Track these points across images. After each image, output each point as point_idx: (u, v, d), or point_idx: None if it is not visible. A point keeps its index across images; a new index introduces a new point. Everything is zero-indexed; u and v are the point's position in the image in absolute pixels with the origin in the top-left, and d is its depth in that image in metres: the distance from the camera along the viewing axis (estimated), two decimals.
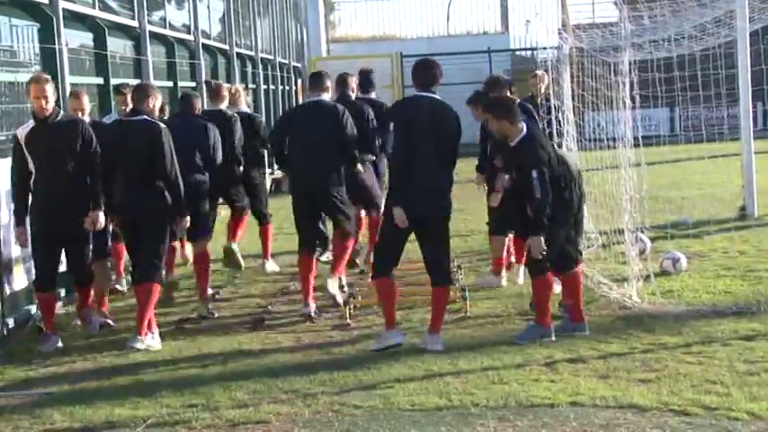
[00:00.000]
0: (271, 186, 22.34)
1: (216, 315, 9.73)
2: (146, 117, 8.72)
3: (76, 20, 11.88)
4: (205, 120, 10.40)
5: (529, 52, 35.46)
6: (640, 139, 10.47)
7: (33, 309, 9.44)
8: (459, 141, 8.12)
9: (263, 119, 11.38)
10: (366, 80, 12.01)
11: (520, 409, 6.47)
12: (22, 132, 8.50)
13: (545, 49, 26.62)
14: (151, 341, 8.51)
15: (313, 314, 9.38)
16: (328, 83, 9.87)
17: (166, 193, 8.61)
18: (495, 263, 10.49)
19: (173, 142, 8.81)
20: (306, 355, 8.09)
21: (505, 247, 10.47)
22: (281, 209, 18.52)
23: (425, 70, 8.17)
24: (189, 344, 8.65)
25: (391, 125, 8.22)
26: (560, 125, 11.78)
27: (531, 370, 7.31)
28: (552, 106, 11.66)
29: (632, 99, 10.49)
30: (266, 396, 6.98)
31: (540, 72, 13.79)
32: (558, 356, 7.64)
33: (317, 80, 9.82)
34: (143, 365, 8.00)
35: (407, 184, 7.93)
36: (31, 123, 8.52)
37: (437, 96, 8.15)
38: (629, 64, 10.56)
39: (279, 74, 27.46)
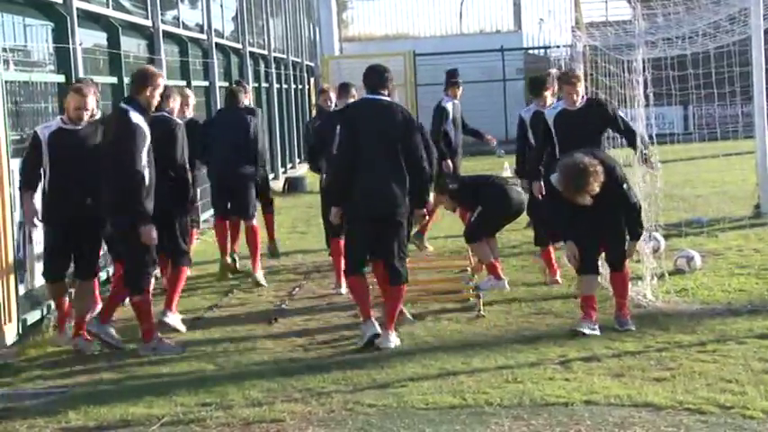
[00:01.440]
0: (284, 186, 22.43)
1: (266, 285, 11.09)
2: (164, 113, 9.03)
3: (90, 19, 11.91)
4: (249, 113, 11.67)
5: (542, 50, 35.48)
6: (654, 137, 10.44)
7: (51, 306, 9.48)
8: (413, 139, 8.21)
9: (261, 118, 12.14)
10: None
11: (534, 408, 6.46)
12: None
13: (558, 47, 26.65)
14: (178, 322, 9.09)
15: (343, 291, 10.03)
16: (354, 92, 10.42)
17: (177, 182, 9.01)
18: (490, 268, 10.30)
19: (222, 134, 11.02)
20: (319, 354, 8.10)
21: (492, 249, 10.38)
22: (294, 207, 18.61)
23: (375, 75, 8.40)
24: (203, 342, 8.66)
25: (338, 128, 8.42)
26: None
27: (546, 369, 7.30)
28: None
29: (646, 97, 10.46)
30: (280, 395, 6.99)
31: (553, 71, 13.76)
32: (573, 355, 7.63)
33: (344, 90, 10.63)
34: (157, 364, 8.01)
35: (356, 185, 8.14)
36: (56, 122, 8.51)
37: (386, 98, 8.36)
38: (643, 62, 10.53)
39: (292, 73, 27.50)
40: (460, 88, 13.47)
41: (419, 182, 8.26)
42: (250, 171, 11.39)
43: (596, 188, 8.08)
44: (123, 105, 8.39)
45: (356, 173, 8.14)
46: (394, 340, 8.22)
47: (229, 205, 11.51)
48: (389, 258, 8.29)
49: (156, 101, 8.43)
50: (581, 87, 9.53)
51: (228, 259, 11.70)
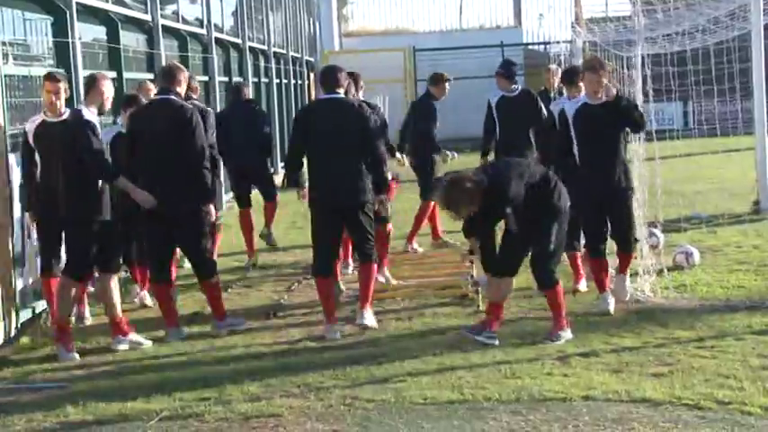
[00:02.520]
0: (283, 181, 22.40)
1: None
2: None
3: (90, 13, 11.90)
4: (256, 105, 12.76)
5: (542, 46, 35.45)
6: (653, 133, 10.44)
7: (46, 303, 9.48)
8: (368, 133, 8.62)
9: (268, 113, 12.88)
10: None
11: (532, 404, 6.46)
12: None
13: (558, 42, 26.66)
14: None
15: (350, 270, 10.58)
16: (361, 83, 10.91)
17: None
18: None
19: (238, 126, 11.64)
20: (318, 349, 8.10)
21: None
22: (293, 202, 18.56)
23: (329, 75, 8.87)
24: (201, 337, 8.66)
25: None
26: None
27: (544, 364, 7.30)
28: None
29: (645, 93, 10.45)
30: (279, 390, 6.99)
31: (553, 66, 13.74)
32: (571, 351, 7.63)
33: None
34: (156, 359, 8.01)
35: (317, 181, 8.64)
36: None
37: (341, 96, 8.81)
38: (643, 58, 10.52)
39: (291, 68, 27.48)
40: (504, 79, 12.15)
41: (375, 171, 8.67)
42: (264, 159, 12.67)
43: (463, 213, 7.89)
44: (169, 97, 8.70)
45: (316, 168, 8.66)
46: (369, 318, 8.58)
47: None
48: (358, 243, 8.81)
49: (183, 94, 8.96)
50: (605, 78, 8.77)
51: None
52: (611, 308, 8.78)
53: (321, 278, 8.69)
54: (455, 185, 7.76)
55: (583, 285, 9.59)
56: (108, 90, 8.52)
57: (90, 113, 8.37)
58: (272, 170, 12.36)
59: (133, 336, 8.43)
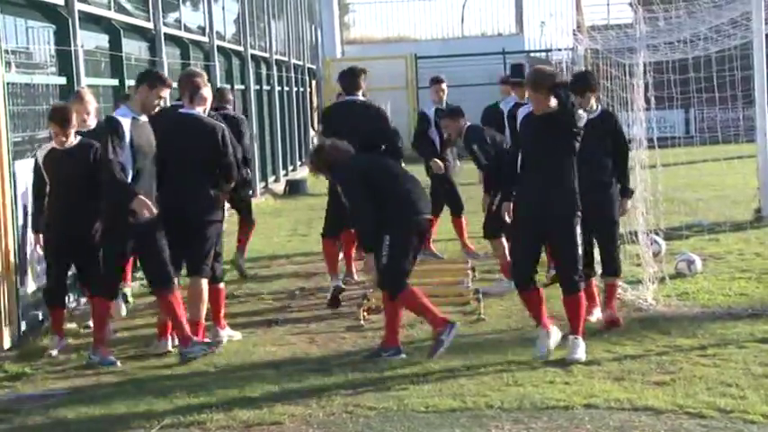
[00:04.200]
0: (285, 188, 22.44)
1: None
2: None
3: (92, 21, 11.91)
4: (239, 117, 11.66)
5: (544, 54, 35.49)
6: (655, 140, 10.45)
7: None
8: (384, 127, 9.85)
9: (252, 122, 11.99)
10: None
11: (534, 411, 6.46)
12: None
13: (560, 50, 26.71)
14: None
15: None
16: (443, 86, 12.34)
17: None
18: (506, 268, 10.15)
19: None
20: (319, 357, 8.10)
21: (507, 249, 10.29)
22: (295, 210, 18.62)
23: (350, 78, 9.91)
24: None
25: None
26: None
27: (546, 372, 7.30)
28: None
29: (647, 100, 10.46)
30: (280, 397, 6.99)
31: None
32: None
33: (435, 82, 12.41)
34: (158, 366, 8.01)
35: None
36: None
37: (361, 98, 9.95)
38: (644, 65, 10.53)
39: (293, 75, 27.51)
40: (521, 87, 10.74)
41: (395, 157, 9.46)
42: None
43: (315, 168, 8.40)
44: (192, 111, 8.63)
45: None
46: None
47: None
48: None
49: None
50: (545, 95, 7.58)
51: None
52: (545, 351, 7.65)
53: (327, 239, 9.95)
54: (331, 146, 8.22)
55: (595, 315, 8.61)
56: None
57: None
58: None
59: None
